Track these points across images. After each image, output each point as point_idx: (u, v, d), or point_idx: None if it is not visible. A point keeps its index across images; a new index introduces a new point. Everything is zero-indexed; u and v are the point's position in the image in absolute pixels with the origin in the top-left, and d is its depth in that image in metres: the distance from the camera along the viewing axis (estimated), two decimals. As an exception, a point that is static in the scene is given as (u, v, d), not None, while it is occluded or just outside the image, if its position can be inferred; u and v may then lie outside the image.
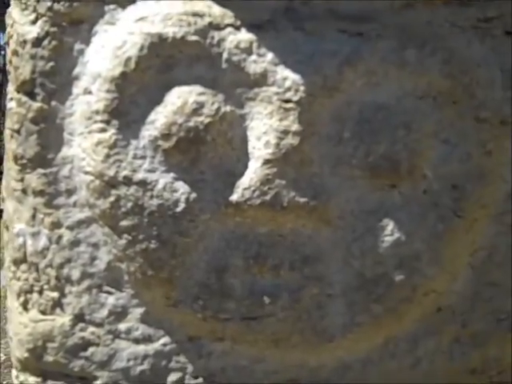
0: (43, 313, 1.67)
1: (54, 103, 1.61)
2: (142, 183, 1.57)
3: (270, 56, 1.50)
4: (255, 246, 1.57)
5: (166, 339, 1.67)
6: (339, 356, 1.64)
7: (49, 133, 1.63)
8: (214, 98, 1.54)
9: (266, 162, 1.51)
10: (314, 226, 1.56)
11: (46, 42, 1.60)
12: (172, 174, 1.57)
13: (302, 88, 1.47)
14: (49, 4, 1.58)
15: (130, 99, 1.56)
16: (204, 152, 1.55)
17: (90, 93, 1.58)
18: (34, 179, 1.63)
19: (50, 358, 1.67)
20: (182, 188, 1.56)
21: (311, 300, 1.59)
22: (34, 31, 1.58)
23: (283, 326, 1.60)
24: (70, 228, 1.65)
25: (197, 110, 1.54)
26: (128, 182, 1.57)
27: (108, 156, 1.57)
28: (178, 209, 1.56)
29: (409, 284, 1.57)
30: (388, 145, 1.52)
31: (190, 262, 1.60)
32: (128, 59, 1.55)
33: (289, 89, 1.48)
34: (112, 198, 1.58)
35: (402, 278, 1.57)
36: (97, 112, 1.57)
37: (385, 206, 1.55)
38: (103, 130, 1.57)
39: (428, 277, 1.57)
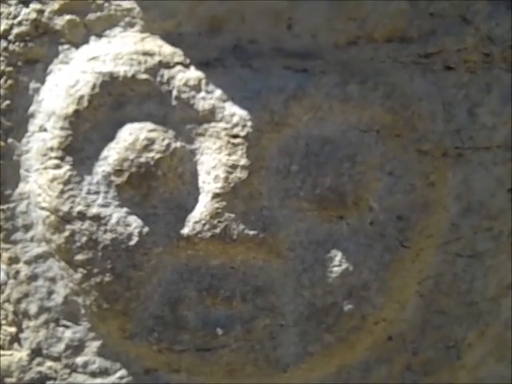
0: (1, 348, 1.69)
1: (10, 140, 1.65)
2: (96, 218, 1.60)
3: (218, 93, 1.54)
4: (208, 278, 1.60)
5: (122, 372, 1.69)
6: (295, 385, 1.66)
7: (6, 169, 1.66)
8: (164, 134, 1.58)
9: (216, 195, 1.55)
10: (265, 258, 1.59)
11: (1, 81, 1.63)
12: (125, 209, 1.60)
13: (249, 123, 1.51)
14: (4, 44, 1.62)
15: (84, 136, 1.60)
16: (155, 187, 1.58)
17: (44, 130, 1.62)
18: (-9, 215, 1.66)
19: (8, 393, 1.68)
20: (135, 222, 1.60)
21: (264, 330, 1.62)
22: (-11, 70, 1.62)
23: (237, 356, 1.63)
24: (28, 263, 1.67)
25: (148, 146, 1.58)
26: (82, 216, 1.61)
27: (62, 192, 1.60)
28: (132, 242, 1.59)
29: (358, 313, 1.60)
30: (334, 177, 1.56)
31: (144, 294, 1.63)
32: (81, 97, 1.59)
33: (236, 124, 1.52)
34: (67, 233, 1.62)
35: (351, 307, 1.60)
36: (51, 149, 1.61)
37: (333, 237, 1.58)
38: (58, 167, 1.61)
39: (377, 306, 1.61)
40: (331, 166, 1.56)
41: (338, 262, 1.59)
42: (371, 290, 1.59)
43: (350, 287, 1.58)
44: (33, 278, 1.67)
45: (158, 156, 1.58)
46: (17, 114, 1.66)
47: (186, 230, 1.57)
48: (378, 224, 1.59)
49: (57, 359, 1.67)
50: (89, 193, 1.60)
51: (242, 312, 1.59)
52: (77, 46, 1.63)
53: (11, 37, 1.65)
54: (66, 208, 1.61)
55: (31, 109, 1.65)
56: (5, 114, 1.65)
